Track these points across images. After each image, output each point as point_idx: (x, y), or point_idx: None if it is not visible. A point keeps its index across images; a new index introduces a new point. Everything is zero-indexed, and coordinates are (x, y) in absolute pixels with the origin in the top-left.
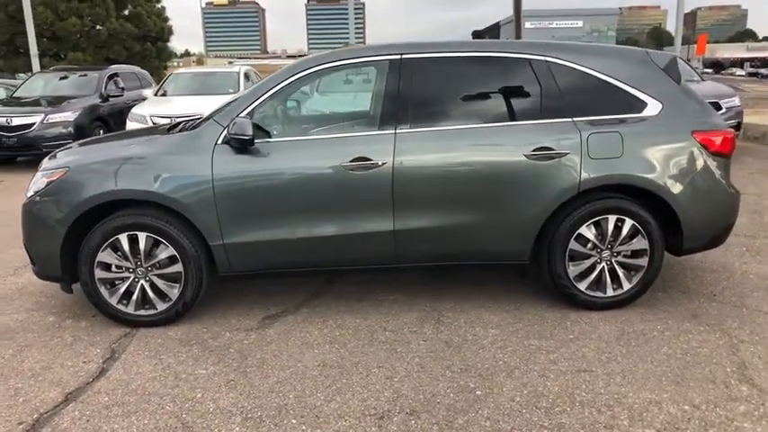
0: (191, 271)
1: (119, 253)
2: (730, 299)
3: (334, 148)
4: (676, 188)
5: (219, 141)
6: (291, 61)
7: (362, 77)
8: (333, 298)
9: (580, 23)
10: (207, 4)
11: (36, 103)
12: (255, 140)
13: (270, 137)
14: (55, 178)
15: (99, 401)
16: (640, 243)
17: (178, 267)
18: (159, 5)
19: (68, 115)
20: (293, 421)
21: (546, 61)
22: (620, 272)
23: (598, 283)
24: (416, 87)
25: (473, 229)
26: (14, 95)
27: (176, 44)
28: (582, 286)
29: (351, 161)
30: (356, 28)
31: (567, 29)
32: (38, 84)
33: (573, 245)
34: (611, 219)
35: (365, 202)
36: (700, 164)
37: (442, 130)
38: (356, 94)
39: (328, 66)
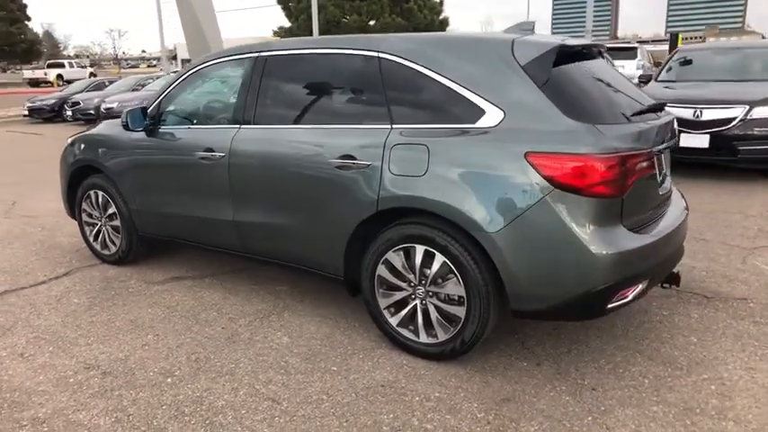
0: (124, 226)
1: (91, 205)
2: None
3: (197, 139)
4: (491, 225)
5: None
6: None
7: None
8: (242, 277)
9: None
10: None
11: None
12: (161, 126)
13: (186, 124)
14: (69, 143)
15: (5, 300)
16: (454, 287)
17: (118, 222)
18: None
19: None
20: (50, 349)
21: (378, 58)
22: (433, 317)
23: (412, 324)
24: (263, 85)
25: (291, 233)
26: None
27: None
28: (393, 321)
29: (202, 151)
30: (735, 7)
31: None
32: None
33: (381, 270)
34: (419, 249)
35: (213, 191)
36: (534, 199)
37: (267, 129)
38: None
39: (210, 64)
